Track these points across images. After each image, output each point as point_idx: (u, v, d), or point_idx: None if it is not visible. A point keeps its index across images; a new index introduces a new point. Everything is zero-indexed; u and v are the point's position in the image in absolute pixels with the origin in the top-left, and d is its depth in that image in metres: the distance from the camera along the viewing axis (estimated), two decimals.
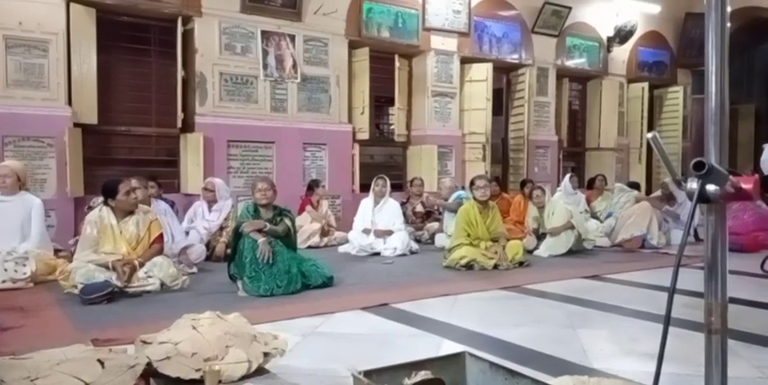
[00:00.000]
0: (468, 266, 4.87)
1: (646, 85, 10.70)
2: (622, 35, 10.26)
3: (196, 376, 1.88)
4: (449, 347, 2.62)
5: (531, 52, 9.35)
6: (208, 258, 5.16)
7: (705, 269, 1.21)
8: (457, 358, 1.93)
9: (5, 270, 4.03)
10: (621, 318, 3.29)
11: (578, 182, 7.69)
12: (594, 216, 7.38)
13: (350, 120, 7.72)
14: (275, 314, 3.28)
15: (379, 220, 5.98)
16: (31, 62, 5.70)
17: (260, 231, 3.99)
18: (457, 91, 8.61)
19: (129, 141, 6.51)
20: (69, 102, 5.89)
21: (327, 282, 4.09)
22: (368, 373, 1.73)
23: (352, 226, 6.12)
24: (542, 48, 9.46)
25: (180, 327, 2.17)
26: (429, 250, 6.06)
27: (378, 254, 5.74)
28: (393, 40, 7.90)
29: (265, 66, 6.95)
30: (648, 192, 9.67)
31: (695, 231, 6.52)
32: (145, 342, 2.10)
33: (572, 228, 5.79)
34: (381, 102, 8.93)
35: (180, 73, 6.43)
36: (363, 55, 7.65)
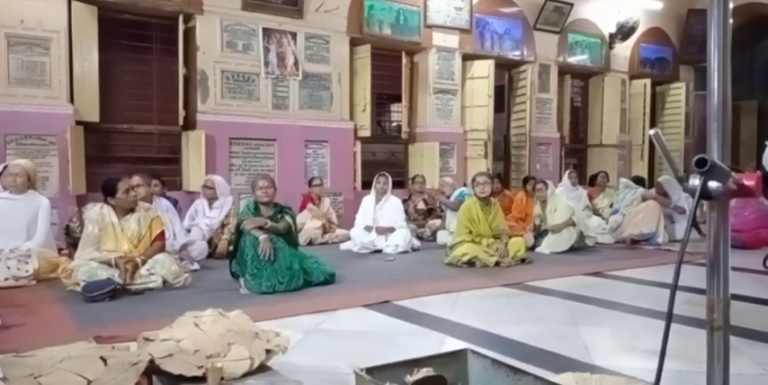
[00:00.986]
0: (470, 263, 4.87)
1: (648, 81, 10.68)
2: (624, 31, 10.24)
3: (198, 373, 1.88)
4: (451, 344, 2.62)
5: (533, 49, 9.33)
6: (210, 256, 5.16)
7: (707, 266, 1.21)
8: (459, 355, 1.93)
9: (8, 268, 4.04)
10: (623, 315, 3.29)
11: (579, 178, 7.66)
12: (596, 213, 7.37)
13: (351, 117, 7.72)
14: (277, 311, 3.28)
15: (380, 218, 5.98)
16: (33, 60, 5.70)
17: (261, 228, 3.99)
18: (458, 88, 8.60)
19: (130, 139, 6.52)
20: (71, 100, 5.90)
21: (329, 280, 4.09)
22: (370, 370, 1.73)
23: (354, 223, 6.12)
24: (544, 44, 9.45)
25: (182, 325, 2.17)
26: (431, 247, 6.06)
27: (379, 251, 5.74)
28: (394, 38, 7.89)
29: (267, 63, 6.95)
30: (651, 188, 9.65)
31: (698, 226, 6.52)
32: (147, 339, 2.10)
33: (573, 224, 5.79)
34: (383, 99, 8.91)
35: (181, 71, 6.43)
36: (365, 52, 7.64)
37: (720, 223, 1.20)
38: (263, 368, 2.02)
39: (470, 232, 5.12)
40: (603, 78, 10.35)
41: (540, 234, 5.99)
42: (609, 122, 10.38)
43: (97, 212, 4.02)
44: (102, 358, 1.82)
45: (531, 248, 5.70)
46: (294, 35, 7.11)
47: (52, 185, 5.77)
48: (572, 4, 9.38)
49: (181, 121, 6.52)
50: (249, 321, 2.28)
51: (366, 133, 7.80)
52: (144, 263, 3.90)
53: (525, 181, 7.59)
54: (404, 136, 8.39)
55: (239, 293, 3.83)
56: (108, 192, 4.00)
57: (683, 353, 2.36)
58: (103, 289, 3.56)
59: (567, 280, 4.38)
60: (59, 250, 4.76)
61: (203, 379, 1.86)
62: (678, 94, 11.16)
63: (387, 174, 6.17)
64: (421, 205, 7.21)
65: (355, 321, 3.15)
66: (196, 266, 4.68)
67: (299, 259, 4.04)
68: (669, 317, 1.18)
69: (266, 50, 6.94)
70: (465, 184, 7.20)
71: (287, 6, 7.02)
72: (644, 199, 6.69)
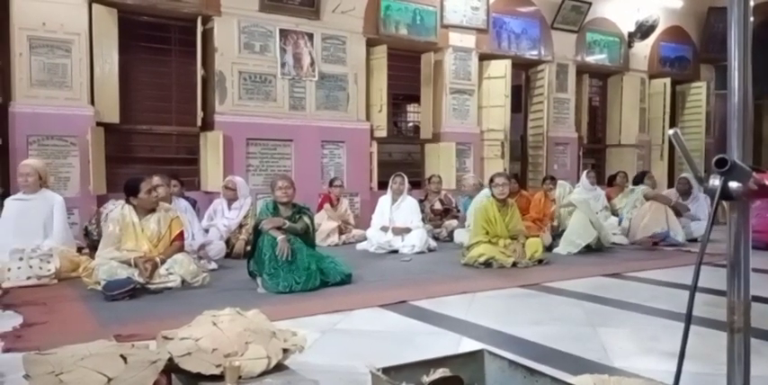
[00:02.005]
0: (487, 264, 4.85)
1: (668, 80, 10.55)
2: (644, 30, 10.12)
3: (216, 372, 1.90)
4: (467, 345, 2.62)
5: (551, 48, 9.27)
6: (227, 255, 5.20)
7: (728, 267, 1.19)
8: (475, 356, 1.92)
9: (30, 267, 4.11)
10: (642, 317, 3.25)
11: (596, 178, 7.59)
12: (615, 213, 7.30)
13: (368, 117, 7.73)
14: (294, 311, 3.30)
15: (397, 218, 5.98)
16: (55, 62, 5.79)
17: (279, 229, 4.02)
18: (475, 88, 8.57)
19: (150, 140, 6.59)
20: (92, 102, 5.98)
21: (346, 280, 4.10)
22: (386, 370, 1.73)
23: (371, 223, 6.13)
24: (562, 44, 9.38)
25: (200, 324, 2.19)
26: (447, 248, 6.05)
27: (396, 251, 5.74)
28: (411, 38, 7.89)
29: (283, 64, 6.99)
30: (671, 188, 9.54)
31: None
32: (166, 338, 2.12)
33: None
34: (399, 99, 8.92)
35: (200, 72, 6.49)
36: (381, 52, 7.65)
37: (741, 224, 1.18)
38: (280, 367, 2.03)
39: (487, 233, 5.10)
40: (622, 78, 10.25)
41: (557, 234, 5.94)
42: (628, 122, 10.27)
43: (118, 212, 4.08)
44: (122, 356, 1.85)
45: (549, 248, 5.66)
46: (311, 36, 7.14)
47: (73, 186, 5.86)
48: (590, 3, 9.30)
49: (199, 122, 6.58)
50: (266, 320, 2.29)
51: (382, 133, 7.80)
52: (163, 262, 3.95)
53: (544, 181, 7.54)
54: (429, 135, 8.34)
55: (257, 293, 3.86)
56: (130, 191, 4.05)
57: (702, 355, 2.33)
58: (123, 288, 3.60)
59: (584, 281, 4.35)
60: (79, 249, 4.82)
61: (221, 377, 1.88)
62: (699, 93, 11.01)
63: (403, 175, 6.17)
64: (437, 205, 7.20)
65: (372, 321, 3.16)
66: (214, 266, 4.72)
67: (316, 259, 4.06)
68: (688, 319, 1.17)
69: (283, 51, 6.98)
70: (482, 185, 7.18)
71: (304, 7, 7.05)
72: (646, 198, 6.59)
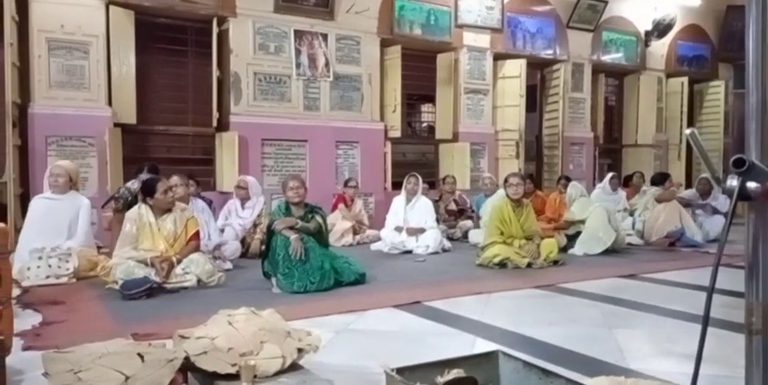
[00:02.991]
0: (502, 264, 4.83)
1: (685, 79, 10.44)
2: (661, 29, 10.03)
3: (232, 371, 1.91)
4: (482, 346, 2.61)
5: (566, 47, 9.21)
6: (243, 255, 5.24)
7: (746, 268, 1.18)
8: (490, 357, 1.92)
9: (49, 266, 4.17)
10: (659, 318, 3.22)
11: (618, 183, 7.46)
12: (632, 214, 7.23)
13: (382, 118, 7.73)
14: (309, 310, 3.31)
15: (411, 218, 5.97)
16: (73, 64, 5.87)
17: (292, 228, 4.03)
18: (490, 87, 8.54)
19: (166, 140, 6.65)
20: (109, 103, 6.05)
21: (360, 280, 4.11)
22: (400, 371, 1.73)
23: (385, 224, 6.13)
24: (577, 43, 9.32)
25: (216, 323, 2.21)
26: (462, 248, 6.04)
27: (410, 252, 5.74)
28: (425, 38, 7.89)
29: (298, 65, 7.01)
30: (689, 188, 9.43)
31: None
32: (183, 337, 2.14)
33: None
34: (413, 99, 8.92)
35: (215, 73, 6.54)
36: (395, 53, 7.66)
37: (759, 225, 1.17)
38: (294, 366, 2.04)
39: (502, 233, 5.08)
40: (639, 77, 10.16)
41: (572, 235, 5.89)
42: (644, 122, 10.18)
43: (135, 212, 4.13)
44: (139, 354, 1.87)
45: (564, 250, 5.62)
46: (325, 36, 7.16)
47: (91, 185, 5.93)
48: (606, 2, 9.23)
49: (214, 123, 6.62)
50: (281, 320, 2.30)
51: (396, 134, 7.80)
52: (179, 262, 3.98)
53: (559, 181, 7.49)
54: (444, 135, 8.31)
55: (271, 293, 3.87)
56: (147, 192, 4.10)
57: (720, 358, 2.30)
58: (140, 287, 3.64)
59: (600, 282, 4.31)
60: (98, 248, 4.88)
61: (237, 376, 1.89)
62: (717, 92, 10.89)
63: (417, 175, 6.17)
64: (452, 206, 7.19)
65: (386, 321, 3.16)
66: (229, 266, 4.75)
67: (329, 259, 4.07)
68: (706, 321, 1.16)
69: (298, 52, 7.01)
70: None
71: (318, 8, 7.08)
72: (658, 201, 6.50)
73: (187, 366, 1.94)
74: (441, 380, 1.71)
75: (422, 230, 5.86)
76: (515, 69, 8.60)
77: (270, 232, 4.13)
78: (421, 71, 8.19)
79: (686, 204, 6.53)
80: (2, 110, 5.31)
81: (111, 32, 6.02)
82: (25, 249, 4.29)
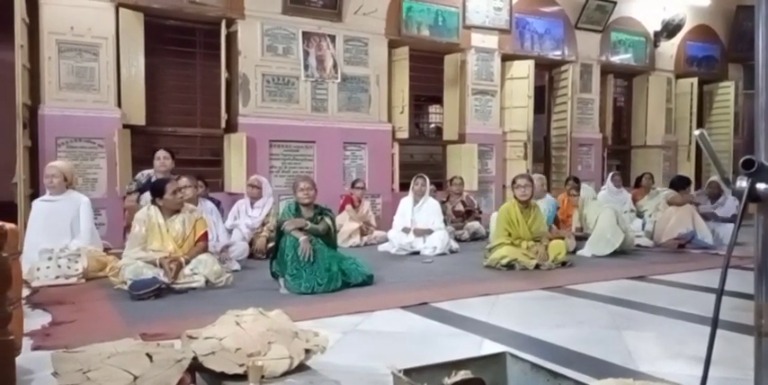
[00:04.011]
0: (510, 266, 4.82)
1: (695, 80, 10.38)
2: (670, 29, 9.97)
3: (240, 371, 1.92)
4: (489, 347, 2.61)
5: (575, 48, 9.18)
6: (250, 255, 5.25)
7: (755, 270, 1.17)
8: (497, 358, 1.91)
9: (59, 266, 4.19)
10: (668, 320, 3.20)
11: (622, 180, 7.45)
12: (640, 215, 7.20)
13: (389, 119, 7.74)
14: (316, 311, 3.32)
15: (418, 219, 5.97)
16: (83, 66, 5.91)
17: (301, 230, 4.04)
18: (498, 89, 8.53)
19: (175, 141, 6.67)
20: (119, 104, 6.08)
21: (367, 281, 4.11)
22: (408, 372, 1.73)
23: (392, 225, 6.13)
24: (586, 43, 9.28)
25: (224, 323, 2.21)
26: (469, 249, 6.02)
27: (417, 253, 5.73)
28: (433, 39, 7.88)
29: (306, 66, 7.03)
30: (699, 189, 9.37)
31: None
32: (191, 337, 2.15)
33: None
34: (421, 100, 8.91)
35: (224, 74, 6.56)
36: (403, 54, 7.66)
37: None
38: (301, 367, 2.04)
39: (510, 235, 5.06)
40: (648, 77, 10.11)
41: (582, 237, 5.87)
42: (654, 123, 10.12)
43: (144, 213, 4.15)
44: (147, 355, 1.88)
45: (573, 252, 5.59)
46: (333, 38, 7.17)
47: (101, 187, 5.97)
48: (615, 2, 9.19)
49: (223, 124, 6.64)
50: (289, 321, 2.31)
51: (404, 135, 7.80)
52: (187, 262, 4.00)
53: (567, 182, 7.44)
54: (452, 137, 8.29)
55: (279, 293, 3.88)
56: (156, 193, 4.13)
57: (729, 360, 2.29)
58: (149, 287, 3.66)
59: (609, 283, 4.29)
60: (106, 250, 4.91)
61: (244, 377, 1.90)
62: (727, 92, 10.81)
63: (424, 176, 6.16)
64: (459, 207, 7.18)
65: (393, 322, 3.16)
66: (237, 266, 4.76)
67: (337, 260, 4.07)
68: (715, 323, 1.15)
69: (306, 54, 7.02)
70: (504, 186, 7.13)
71: (326, 10, 7.09)
72: (669, 203, 6.45)
73: (195, 366, 1.95)
74: (448, 381, 1.71)
75: (429, 231, 5.86)
76: (523, 70, 8.58)
77: (279, 233, 4.14)
78: (429, 72, 8.19)
79: (703, 216, 6.47)
80: (12, 111, 5.35)
81: (121, 34, 6.06)
82: (31, 250, 4.29)
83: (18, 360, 2.04)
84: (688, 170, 10.27)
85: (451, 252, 5.81)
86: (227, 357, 1.97)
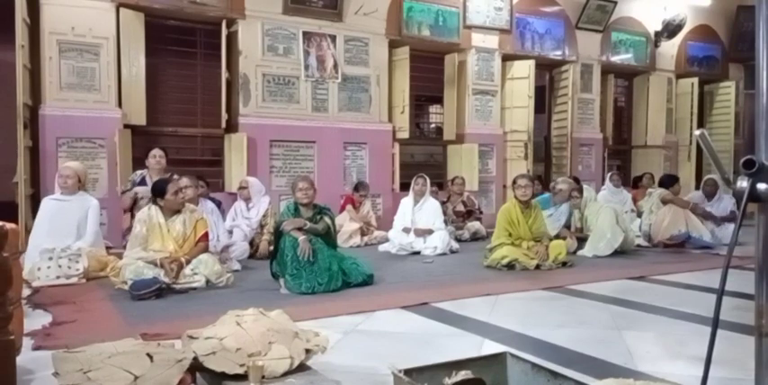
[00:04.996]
0: (510, 266, 4.82)
1: (696, 80, 10.38)
2: (671, 29, 9.97)
3: (240, 371, 1.91)
4: (490, 347, 2.60)
5: (575, 48, 9.18)
6: (251, 256, 5.25)
7: (756, 270, 1.17)
8: (498, 358, 1.91)
9: (60, 266, 4.19)
10: (668, 321, 3.20)
11: (621, 180, 7.44)
12: (640, 215, 7.19)
13: (390, 119, 7.74)
14: (317, 311, 3.32)
15: (419, 219, 5.97)
16: (84, 66, 5.91)
17: (300, 229, 4.04)
18: (498, 89, 8.52)
19: (175, 142, 6.68)
20: (119, 104, 6.09)
21: (368, 281, 4.11)
22: (408, 372, 1.73)
23: (392, 225, 6.13)
24: (586, 43, 9.28)
25: (224, 323, 2.21)
26: (470, 249, 6.02)
27: (418, 253, 5.74)
28: (433, 39, 7.88)
29: (307, 66, 7.03)
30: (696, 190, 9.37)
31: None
32: (191, 337, 2.15)
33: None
34: (421, 100, 8.91)
35: (224, 74, 6.56)
36: (403, 54, 7.66)
37: None
38: (302, 367, 2.04)
39: (510, 235, 5.06)
40: (649, 77, 10.11)
41: (583, 238, 5.86)
42: (654, 123, 10.12)
43: (145, 213, 4.15)
44: (148, 355, 1.88)
45: (573, 252, 5.58)
46: (333, 38, 7.17)
47: (101, 187, 5.97)
48: (616, 2, 9.19)
49: (223, 124, 6.65)
50: (289, 321, 2.31)
51: (404, 135, 7.80)
52: (188, 262, 4.00)
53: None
54: (452, 137, 8.28)
55: (279, 293, 3.88)
56: (157, 193, 4.13)
57: (730, 360, 2.29)
58: (150, 287, 3.66)
59: (609, 283, 4.29)
60: (108, 249, 4.91)
61: (245, 377, 1.90)
62: (727, 93, 10.82)
63: (425, 176, 6.16)
64: (460, 207, 7.18)
65: (393, 322, 3.16)
66: (237, 266, 4.77)
67: (338, 260, 4.07)
68: (716, 323, 1.15)
69: (306, 54, 7.02)
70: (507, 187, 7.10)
71: (327, 10, 7.09)
72: (663, 202, 6.44)
73: (196, 366, 1.95)
74: (448, 381, 1.71)
75: (430, 231, 5.86)
76: (524, 70, 8.58)
77: (278, 233, 4.14)
78: (429, 72, 8.19)
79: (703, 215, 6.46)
80: (13, 111, 5.36)
81: (122, 34, 6.06)
82: (35, 250, 4.32)
83: (19, 360, 2.04)
84: (689, 170, 10.28)
85: (452, 252, 5.81)
86: (227, 357, 1.97)
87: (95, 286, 4.12)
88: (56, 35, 5.78)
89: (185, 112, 6.77)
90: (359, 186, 6.83)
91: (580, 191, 6.02)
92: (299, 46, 6.98)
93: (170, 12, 6.41)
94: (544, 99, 9.43)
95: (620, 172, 9.20)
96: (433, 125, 9.19)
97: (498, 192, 8.54)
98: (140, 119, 6.22)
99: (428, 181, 6.15)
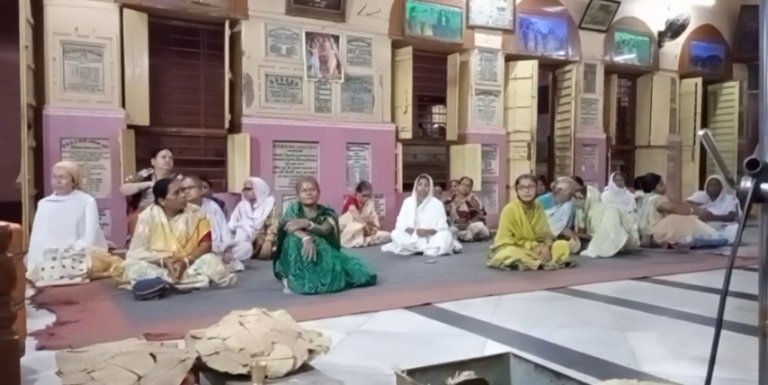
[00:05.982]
0: (513, 266, 4.81)
1: (699, 80, 10.35)
2: (674, 29, 9.94)
3: (243, 371, 1.92)
4: (492, 348, 2.60)
5: (578, 48, 9.16)
6: (254, 256, 5.26)
7: (760, 271, 1.17)
8: (501, 359, 1.91)
9: (63, 266, 4.20)
10: (672, 321, 3.19)
11: (624, 179, 7.41)
12: None
13: (393, 119, 7.74)
14: (320, 311, 3.32)
15: (422, 220, 5.97)
16: (87, 66, 5.93)
17: (304, 230, 4.04)
18: (501, 89, 8.52)
19: (178, 142, 6.68)
20: (123, 105, 6.10)
21: (370, 281, 4.11)
22: (411, 372, 1.73)
23: (395, 225, 6.13)
24: (590, 44, 9.27)
25: (228, 323, 2.22)
26: (473, 249, 6.01)
27: (421, 253, 5.73)
28: (436, 39, 7.88)
29: (309, 67, 7.04)
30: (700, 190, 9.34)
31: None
32: (194, 337, 2.15)
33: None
34: (424, 101, 8.91)
35: (227, 75, 6.57)
36: (406, 54, 7.66)
37: None
38: (305, 367, 2.05)
39: (513, 235, 5.06)
40: (652, 77, 10.08)
41: (587, 238, 5.84)
42: (658, 123, 10.10)
43: (148, 213, 4.16)
44: (151, 354, 1.88)
45: (577, 253, 5.57)
46: (336, 38, 7.17)
47: (105, 187, 5.98)
48: (619, 2, 9.17)
49: (227, 125, 6.65)
50: (292, 321, 2.31)
51: (407, 135, 7.80)
52: (191, 263, 4.00)
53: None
54: (455, 137, 8.28)
55: (282, 293, 3.89)
56: (159, 193, 4.14)
57: (733, 361, 2.28)
58: (153, 287, 3.67)
59: (613, 284, 4.29)
60: (110, 249, 4.92)
61: (248, 377, 1.90)
62: (731, 93, 10.78)
63: (428, 176, 6.15)
64: (463, 207, 7.17)
65: (396, 323, 3.16)
66: (240, 266, 4.77)
67: (341, 261, 4.08)
68: (719, 324, 1.15)
69: (309, 54, 7.03)
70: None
71: (329, 10, 7.09)
72: (659, 210, 6.37)
73: (199, 366, 1.95)
74: (451, 381, 1.71)
75: (432, 232, 5.86)
76: (527, 70, 8.57)
77: (282, 233, 4.14)
78: (432, 72, 8.18)
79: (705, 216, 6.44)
80: (17, 112, 5.37)
81: (125, 35, 6.07)
82: (36, 251, 4.32)
83: (22, 360, 2.05)
84: (692, 170, 10.26)
85: (455, 252, 5.80)
86: (230, 357, 1.97)
87: (99, 286, 4.13)
88: (59, 36, 5.79)
89: (188, 113, 6.78)
90: (362, 186, 6.83)
91: (583, 191, 5.99)
92: (301, 46, 6.98)
93: (173, 12, 6.42)
94: (547, 99, 9.41)
95: (624, 172, 9.17)
96: (435, 125, 9.18)
97: (501, 192, 8.53)
98: (144, 119, 6.24)
99: (431, 181, 6.14)
